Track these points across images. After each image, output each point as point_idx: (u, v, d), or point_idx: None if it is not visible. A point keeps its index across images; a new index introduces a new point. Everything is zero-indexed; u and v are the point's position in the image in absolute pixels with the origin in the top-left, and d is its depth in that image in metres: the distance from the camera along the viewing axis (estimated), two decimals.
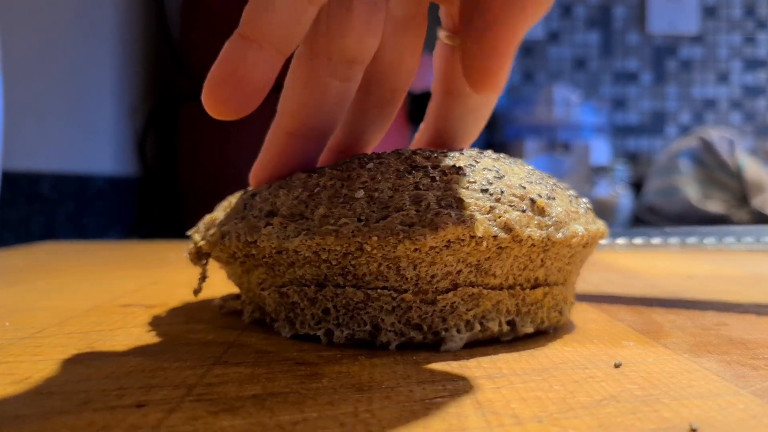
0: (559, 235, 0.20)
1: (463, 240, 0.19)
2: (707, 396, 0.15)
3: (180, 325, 0.24)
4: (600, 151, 1.88)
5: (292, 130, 0.22)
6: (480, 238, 0.19)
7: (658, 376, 0.17)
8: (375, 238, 0.18)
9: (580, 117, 1.87)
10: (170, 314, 0.26)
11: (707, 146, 1.69)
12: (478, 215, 0.19)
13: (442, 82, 0.24)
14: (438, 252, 0.19)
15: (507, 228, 0.19)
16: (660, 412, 0.14)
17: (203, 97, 0.19)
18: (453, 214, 0.18)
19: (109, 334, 0.22)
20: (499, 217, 0.19)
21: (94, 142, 0.92)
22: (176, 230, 1.01)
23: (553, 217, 0.20)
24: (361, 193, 0.19)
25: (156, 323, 0.24)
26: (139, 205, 1.03)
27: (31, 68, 0.76)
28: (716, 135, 1.71)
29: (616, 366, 0.18)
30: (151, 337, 0.22)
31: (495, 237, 0.19)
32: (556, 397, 0.15)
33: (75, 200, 0.86)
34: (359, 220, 0.19)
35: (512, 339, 0.21)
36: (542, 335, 0.22)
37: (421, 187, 0.19)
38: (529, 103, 1.93)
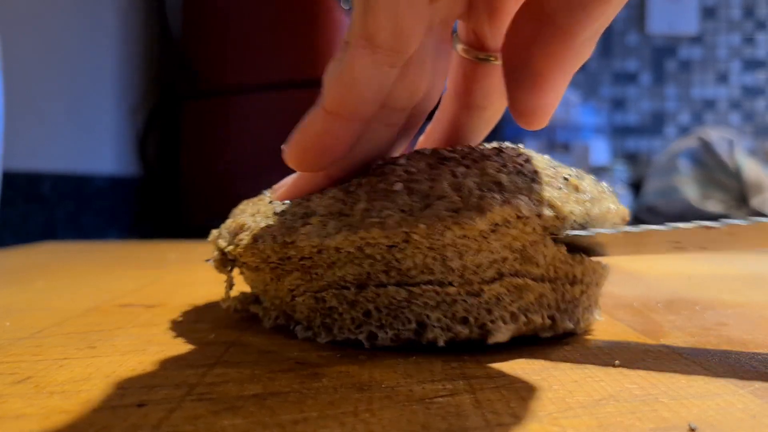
0: (596, 210, 0.20)
1: (509, 222, 0.19)
2: (706, 396, 0.16)
3: (180, 325, 0.24)
4: (599, 151, 1.88)
5: (334, 175, 0.21)
6: (527, 217, 0.19)
7: (657, 375, 0.17)
8: (423, 227, 0.18)
9: (579, 117, 1.87)
10: (171, 314, 0.26)
11: (706, 146, 1.69)
12: (520, 195, 0.19)
13: (459, 96, 0.24)
14: (485, 237, 0.19)
15: (550, 205, 0.19)
16: (659, 412, 0.14)
17: (287, 159, 0.20)
18: (497, 196, 0.19)
19: (109, 334, 0.22)
20: (540, 195, 0.19)
21: (94, 141, 0.92)
22: (176, 230, 1.01)
23: (587, 193, 0.21)
24: (399, 186, 0.19)
25: (156, 323, 0.24)
26: (139, 205, 1.03)
27: (31, 68, 0.76)
28: (715, 135, 1.71)
29: (616, 366, 0.18)
30: (151, 337, 0.22)
31: (539, 216, 0.19)
32: (556, 396, 0.15)
33: (75, 200, 0.86)
34: (403, 211, 0.19)
35: (511, 340, 0.21)
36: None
37: (457, 174, 0.19)
38: None
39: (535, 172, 0.20)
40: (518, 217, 0.19)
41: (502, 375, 0.17)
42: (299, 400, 0.15)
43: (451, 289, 0.19)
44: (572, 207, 0.20)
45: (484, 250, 0.19)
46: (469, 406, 0.15)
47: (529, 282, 0.20)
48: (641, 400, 0.15)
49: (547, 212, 0.19)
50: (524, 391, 0.16)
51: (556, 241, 0.20)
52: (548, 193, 0.20)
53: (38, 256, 0.51)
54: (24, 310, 0.27)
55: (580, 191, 0.21)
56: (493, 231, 0.19)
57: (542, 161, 0.22)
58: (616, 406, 0.15)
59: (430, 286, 0.19)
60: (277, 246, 0.20)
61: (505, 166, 0.20)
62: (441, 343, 0.20)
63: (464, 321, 0.20)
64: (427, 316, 0.20)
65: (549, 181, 0.20)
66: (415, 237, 0.18)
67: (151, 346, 0.21)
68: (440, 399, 0.15)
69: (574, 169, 0.23)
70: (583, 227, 0.20)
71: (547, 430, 0.13)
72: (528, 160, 0.21)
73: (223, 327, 0.23)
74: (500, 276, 0.20)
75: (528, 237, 0.19)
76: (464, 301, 0.20)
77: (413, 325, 0.20)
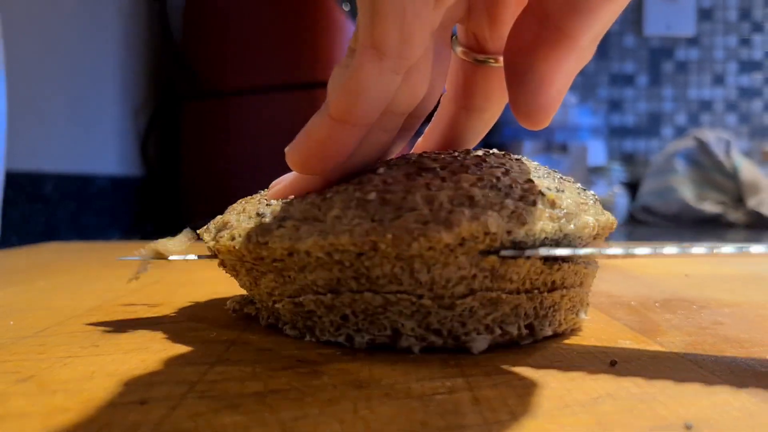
0: (571, 226, 0.20)
1: (477, 237, 0.19)
2: (703, 394, 0.16)
3: (182, 324, 0.24)
4: (597, 152, 1.88)
5: (330, 178, 0.22)
6: (494, 234, 0.19)
7: (654, 374, 0.17)
8: (390, 236, 0.18)
9: (577, 118, 1.87)
10: (172, 313, 0.26)
11: (703, 147, 1.70)
12: (490, 211, 0.19)
13: (458, 98, 0.24)
14: (452, 250, 0.19)
15: (520, 222, 0.19)
16: (656, 410, 0.15)
17: (290, 162, 0.20)
18: (466, 212, 0.19)
19: (111, 333, 0.23)
20: (512, 212, 0.19)
21: (96, 142, 0.92)
22: (177, 230, 1.01)
23: (563, 209, 0.20)
24: (373, 195, 0.19)
25: (158, 322, 0.24)
26: (140, 205, 1.03)
27: (33, 68, 0.76)
28: (712, 136, 1.71)
29: (613, 364, 0.18)
30: (153, 336, 0.22)
31: (509, 232, 0.19)
32: (553, 394, 0.16)
33: (76, 200, 0.86)
34: (373, 221, 0.19)
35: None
36: None
37: (432, 187, 0.20)
38: None
39: (511, 186, 0.20)
40: (486, 234, 0.19)
41: (500, 373, 0.18)
42: (299, 397, 0.15)
43: (426, 301, 0.19)
44: (544, 224, 0.20)
45: (452, 265, 0.19)
46: (467, 404, 0.15)
47: (503, 296, 0.20)
48: (638, 398, 0.15)
49: (517, 230, 0.19)
50: (522, 389, 0.16)
51: (528, 257, 0.20)
52: (521, 209, 0.19)
53: (40, 256, 0.51)
54: (27, 310, 0.27)
55: (557, 207, 0.20)
56: (460, 245, 0.19)
57: (527, 170, 0.22)
58: (614, 404, 0.15)
59: (405, 295, 0.20)
60: (251, 246, 0.20)
61: (481, 179, 0.20)
62: (416, 351, 0.20)
63: (438, 332, 0.20)
64: (402, 325, 0.20)
65: (524, 195, 0.20)
66: (382, 246, 0.19)
67: (153, 344, 0.21)
68: (439, 396, 0.15)
69: (557, 179, 0.22)
70: (557, 242, 0.20)
71: (545, 428, 0.13)
72: (507, 173, 0.21)
73: (223, 326, 0.24)
74: (472, 292, 0.20)
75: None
76: (437, 312, 0.20)
77: (388, 332, 0.20)
